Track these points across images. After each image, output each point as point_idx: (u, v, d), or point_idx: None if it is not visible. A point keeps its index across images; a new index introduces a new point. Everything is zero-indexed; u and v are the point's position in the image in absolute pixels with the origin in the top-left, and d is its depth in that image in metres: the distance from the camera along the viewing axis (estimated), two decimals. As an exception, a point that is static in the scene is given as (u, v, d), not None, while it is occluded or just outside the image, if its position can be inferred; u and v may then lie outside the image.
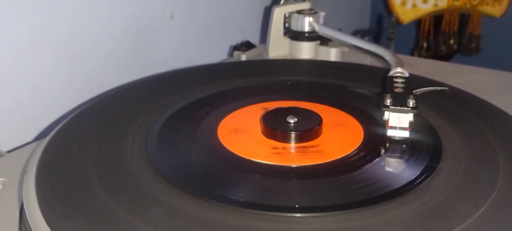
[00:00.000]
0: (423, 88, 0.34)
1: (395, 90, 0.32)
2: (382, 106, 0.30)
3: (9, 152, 0.37)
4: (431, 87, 0.35)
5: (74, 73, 0.47)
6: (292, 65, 0.51)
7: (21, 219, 0.27)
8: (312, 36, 0.55)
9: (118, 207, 0.24)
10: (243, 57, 0.56)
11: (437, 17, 0.99)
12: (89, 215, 0.23)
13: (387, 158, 0.29)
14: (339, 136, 0.32)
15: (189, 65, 0.58)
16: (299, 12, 0.56)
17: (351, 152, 0.30)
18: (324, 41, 0.55)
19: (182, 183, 0.26)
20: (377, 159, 0.29)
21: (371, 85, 0.41)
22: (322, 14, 0.56)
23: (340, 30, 0.54)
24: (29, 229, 0.24)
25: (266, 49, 0.57)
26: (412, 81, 0.34)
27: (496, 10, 0.97)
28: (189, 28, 0.60)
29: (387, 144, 0.30)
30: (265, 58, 0.56)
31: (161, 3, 0.55)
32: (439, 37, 1.01)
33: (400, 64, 0.39)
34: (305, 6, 0.57)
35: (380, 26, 1.05)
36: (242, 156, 0.29)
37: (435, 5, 0.97)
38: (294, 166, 0.28)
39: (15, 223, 0.27)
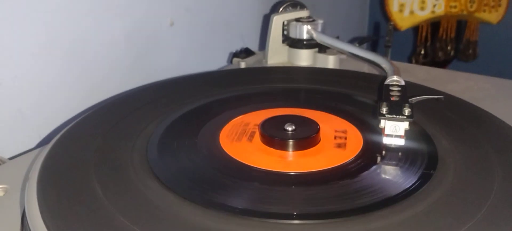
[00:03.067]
0: (418, 97, 0.35)
1: (391, 98, 0.33)
2: (378, 115, 0.31)
3: (11, 158, 0.37)
4: (426, 96, 0.36)
5: (75, 81, 0.48)
6: (290, 72, 0.51)
7: (23, 225, 0.27)
8: (310, 43, 0.56)
9: (120, 214, 0.24)
10: (243, 64, 0.57)
11: (434, 24, 1.00)
12: (91, 222, 0.24)
13: (383, 166, 0.29)
14: (337, 143, 0.32)
15: (189, 73, 0.59)
16: (298, 20, 0.57)
17: (349, 160, 0.30)
18: (322, 48, 0.56)
19: (184, 190, 0.26)
20: (373, 167, 0.29)
21: (368, 93, 0.41)
22: (320, 22, 0.56)
23: (338, 37, 0.55)
24: (31, 235, 0.25)
25: (265, 56, 0.58)
26: (408, 90, 0.35)
27: (493, 17, 0.98)
28: (190, 36, 0.61)
29: (383, 152, 0.31)
30: (264, 65, 0.57)
31: (162, 12, 0.56)
32: (436, 43, 1.01)
33: (396, 72, 0.40)
34: (304, 14, 0.57)
35: (378, 33, 1.06)
36: (241, 162, 0.30)
37: (433, 12, 0.97)
38: (292, 173, 0.29)
39: (16, 229, 0.27)
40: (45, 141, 0.45)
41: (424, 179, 0.27)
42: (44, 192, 0.26)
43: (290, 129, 0.32)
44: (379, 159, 0.30)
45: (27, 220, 0.26)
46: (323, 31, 0.56)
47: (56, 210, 0.25)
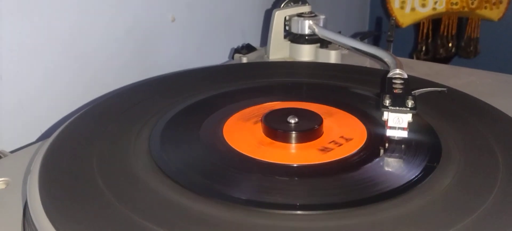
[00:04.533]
0: (421, 89, 0.35)
1: (394, 91, 0.33)
2: (381, 107, 0.31)
3: (12, 152, 0.37)
4: (429, 88, 0.36)
5: (77, 75, 0.48)
6: (292, 67, 0.51)
7: (25, 218, 0.27)
8: (312, 38, 0.56)
9: (122, 206, 0.24)
10: (244, 60, 0.56)
11: (435, 21, 1.00)
12: (92, 215, 0.24)
13: (387, 158, 0.29)
14: (340, 136, 0.32)
15: (190, 68, 0.58)
16: (299, 15, 0.57)
17: (352, 152, 0.30)
18: (324, 43, 0.56)
19: (186, 182, 0.26)
20: (377, 159, 0.29)
21: (371, 87, 0.41)
22: (322, 17, 0.56)
23: (339, 32, 0.55)
24: (33, 228, 0.25)
25: (266, 52, 0.58)
26: (411, 82, 0.35)
27: (494, 14, 0.98)
28: (191, 31, 0.61)
29: (387, 144, 0.31)
30: (266, 60, 0.57)
31: (163, 7, 0.56)
32: (437, 40, 1.01)
33: (399, 65, 0.40)
34: (305, 9, 0.57)
35: (379, 29, 1.06)
36: (245, 154, 0.30)
37: (434, 8, 0.97)
38: (295, 165, 0.29)
39: (18, 222, 0.27)
40: (46, 135, 0.45)
41: (427, 172, 0.27)
42: (46, 185, 0.26)
43: (293, 121, 0.32)
44: (382, 151, 0.30)
45: (29, 213, 0.26)
46: (325, 26, 0.56)
47: (58, 203, 0.25)
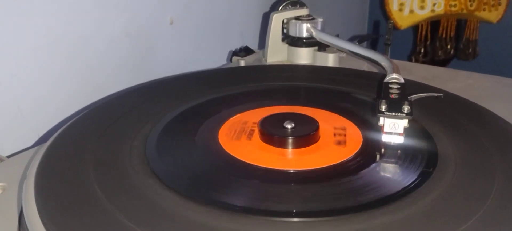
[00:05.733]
0: (418, 94, 0.35)
1: (391, 96, 0.33)
2: (377, 112, 0.31)
3: (9, 156, 0.37)
4: (426, 94, 0.36)
5: (75, 78, 0.48)
6: (290, 70, 0.51)
7: (20, 224, 0.27)
8: (310, 42, 0.56)
9: (118, 212, 0.24)
10: (242, 63, 0.56)
11: (434, 23, 1.00)
12: (88, 221, 0.24)
13: (382, 164, 0.29)
14: (337, 141, 0.32)
15: (188, 71, 0.58)
16: (297, 18, 0.57)
17: (348, 157, 0.30)
18: (322, 47, 0.56)
19: (183, 188, 0.26)
20: (373, 164, 0.29)
21: (368, 91, 0.41)
22: (320, 20, 0.56)
23: (337, 36, 0.55)
24: (28, 234, 0.24)
25: (264, 55, 0.58)
26: (407, 87, 0.35)
27: (493, 16, 0.98)
28: (189, 34, 0.61)
29: (383, 150, 0.31)
30: (264, 63, 0.57)
31: (162, 10, 0.56)
32: (436, 42, 1.01)
33: (396, 70, 0.40)
34: (303, 12, 0.57)
35: (378, 32, 1.06)
36: (241, 160, 0.30)
37: (432, 10, 0.97)
38: (291, 171, 0.29)
39: (14, 228, 0.27)
40: (43, 139, 0.45)
41: (423, 177, 0.27)
42: (41, 190, 0.26)
43: (289, 126, 0.32)
44: (378, 156, 0.30)
45: (24, 218, 0.25)
46: (323, 30, 0.56)
47: (54, 209, 0.25)
